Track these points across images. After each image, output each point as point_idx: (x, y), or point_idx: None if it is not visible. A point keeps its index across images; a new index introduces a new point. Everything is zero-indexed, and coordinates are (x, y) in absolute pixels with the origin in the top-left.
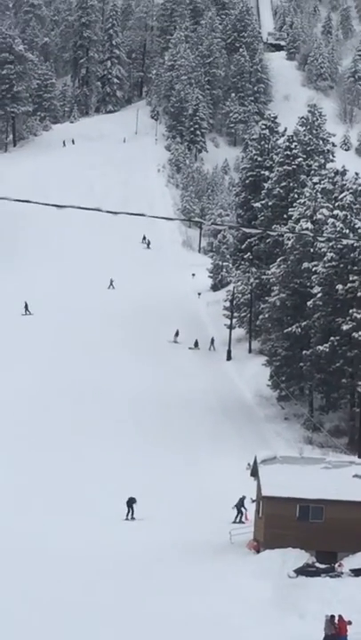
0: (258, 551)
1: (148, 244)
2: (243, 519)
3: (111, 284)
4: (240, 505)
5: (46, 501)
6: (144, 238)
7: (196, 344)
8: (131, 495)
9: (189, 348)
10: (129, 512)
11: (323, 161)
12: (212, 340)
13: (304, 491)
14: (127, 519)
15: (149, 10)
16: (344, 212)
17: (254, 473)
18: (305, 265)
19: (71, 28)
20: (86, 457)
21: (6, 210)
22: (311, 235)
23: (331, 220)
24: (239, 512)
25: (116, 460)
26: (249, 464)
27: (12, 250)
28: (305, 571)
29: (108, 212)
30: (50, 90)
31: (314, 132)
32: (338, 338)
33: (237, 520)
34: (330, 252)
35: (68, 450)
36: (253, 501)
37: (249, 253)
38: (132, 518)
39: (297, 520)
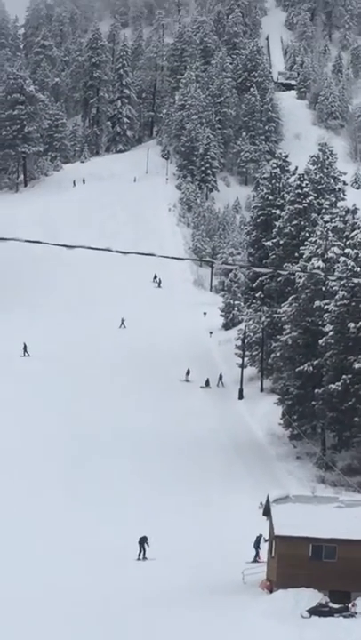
0: (271, 591)
1: (160, 283)
2: (257, 558)
3: (122, 323)
4: (257, 544)
5: (57, 541)
6: (155, 277)
7: (208, 383)
8: (143, 534)
9: (201, 387)
10: (141, 551)
11: (334, 199)
12: (220, 376)
13: (317, 530)
14: (139, 559)
15: (159, 50)
16: (355, 251)
17: (267, 512)
18: (317, 303)
19: (82, 69)
20: (98, 497)
21: (18, 249)
22: (322, 274)
23: (342, 259)
24: (141, 548)
25: (128, 500)
26: (261, 503)
27: (23, 289)
28: (318, 611)
29: (118, 251)
30: (60, 130)
31: (325, 170)
32: (350, 376)
33: (256, 559)
34: (341, 290)
35: (80, 490)
36: (266, 541)
37: (260, 292)
38: (144, 558)
39: (310, 559)
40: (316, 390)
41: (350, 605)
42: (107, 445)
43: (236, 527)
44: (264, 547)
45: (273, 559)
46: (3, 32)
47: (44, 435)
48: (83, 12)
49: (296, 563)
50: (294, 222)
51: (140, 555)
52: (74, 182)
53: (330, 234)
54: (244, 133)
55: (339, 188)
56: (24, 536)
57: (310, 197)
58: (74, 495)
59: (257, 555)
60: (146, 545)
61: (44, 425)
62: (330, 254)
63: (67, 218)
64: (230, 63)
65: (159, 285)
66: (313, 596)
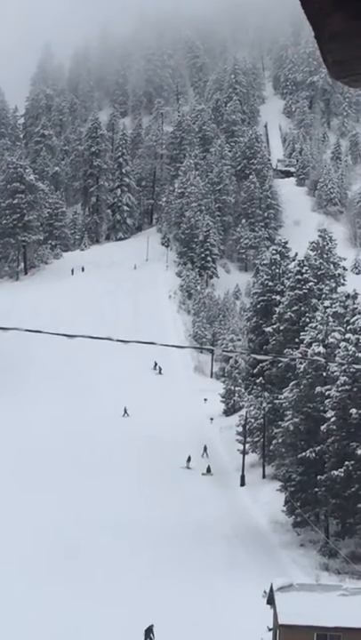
0: None
1: (160, 370)
2: None
3: (125, 412)
4: None
5: (57, 633)
6: (155, 365)
7: (209, 470)
8: (149, 624)
9: (202, 474)
10: None
11: (334, 285)
12: (205, 448)
13: (321, 618)
14: None
15: (159, 138)
16: (356, 336)
17: (270, 601)
18: (318, 389)
19: (81, 157)
20: (97, 588)
21: (17, 339)
22: (323, 359)
23: (343, 344)
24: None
25: (128, 591)
26: (265, 591)
27: (22, 378)
28: None
29: (118, 340)
30: (60, 218)
31: (325, 256)
32: (353, 462)
33: None
34: (343, 375)
35: (78, 580)
36: (270, 630)
37: (261, 378)
38: None
39: None
40: (318, 477)
41: None
42: (107, 532)
43: (239, 616)
44: (268, 636)
45: None
46: (2, 122)
47: (42, 520)
48: (82, 101)
49: None
50: (295, 308)
51: None
52: (72, 271)
53: (330, 319)
54: (243, 220)
55: (339, 274)
56: (21, 629)
57: (310, 283)
58: (72, 583)
59: None
60: (152, 635)
61: (42, 509)
62: (331, 340)
63: (67, 306)
64: (229, 151)
65: (160, 372)
66: None
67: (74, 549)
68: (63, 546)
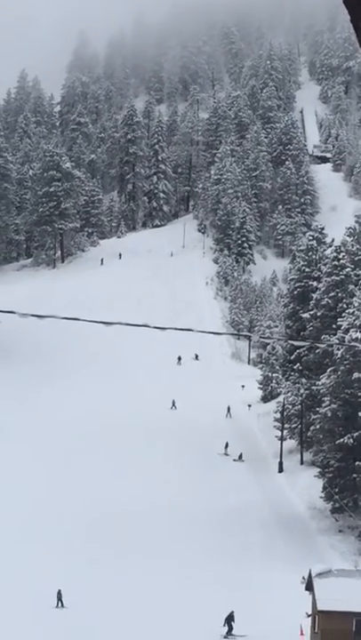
0: None
1: (197, 356)
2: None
3: (173, 404)
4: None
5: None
6: (179, 359)
7: (240, 457)
8: (230, 610)
9: (234, 460)
10: (229, 630)
11: None
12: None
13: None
14: (226, 637)
15: (195, 125)
16: None
17: (309, 587)
18: (356, 375)
19: (117, 145)
20: (140, 575)
21: (54, 327)
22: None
23: None
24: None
25: (167, 576)
26: (304, 578)
27: (59, 365)
28: None
29: (156, 327)
30: (97, 206)
31: None
32: None
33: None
34: None
35: (117, 565)
36: (309, 616)
37: (298, 364)
38: (231, 635)
39: (354, 635)
40: (357, 463)
41: None
42: (144, 518)
43: (277, 602)
44: (306, 622)
45: (316, 634)
46: (39, 110)
47: (84, 503)
48: (118, 89)
49: (340, 638)
50: (332, 294)
51: (227, 633)
52: (101, 261)
53: None
54: (280, 206)
55: None
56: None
57: (347, 269)
58: (108, 568)
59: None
60: (232, 622)
61: (85, 493)
62: None
63: (104, 293)
64: (265, 137)
65: (197, 359)
66: None
67: (111, 534)
68: (101, 530)
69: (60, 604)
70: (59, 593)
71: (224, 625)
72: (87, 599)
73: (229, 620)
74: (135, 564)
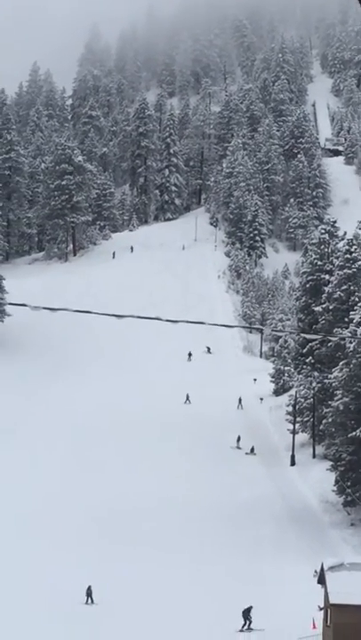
0: None
1: (209, 349)
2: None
3: (187, 399)
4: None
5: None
6: (190, 355)
7: (253, 450)
8: (248, 605)
9: (246, 454)
10: (245, 624)
11: None
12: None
13: None
14: (242, 630)
15: (206, 118)
16: None
17: (321, 580)
18: None
19: (129, 138)
20: (153, 569)
21: (66, 319)
22: None
23: None
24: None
25: (178, 569)
26: (316, 571)
27: (71, 359)
28: None
29: (167, 320)
30: (109, 199)
31: None
32: None
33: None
34: None
35: (129, 558)
36: (321, 609)
37: (311, 357)
38: (250, 629)
39: None
40: None
41: None
42: (156, 512)
43: (289, 595)
44: (318, 615)
45: (329, 628)
46: (51, 103)
47: (94, 497)
48: (129, 82)
49: (352, 632)
50: (344, 287)
51: (244, 627)
52: (113, 254)
53: None
54: (292, 199)
55: None
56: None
57: (360, 262)
58: (121, 562)
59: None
60: (250, 616)
61: (95, 487)
62: None
63: (116, 286)
64: (277, 130)
65: (209, 352)
66: None
67: (123, 529)
68: (113, 525)
69: (89, 601)
70: (89, 589)
71: (246, 619)
72: (109, 595)
73: (247, 613)
74: (147, 558)
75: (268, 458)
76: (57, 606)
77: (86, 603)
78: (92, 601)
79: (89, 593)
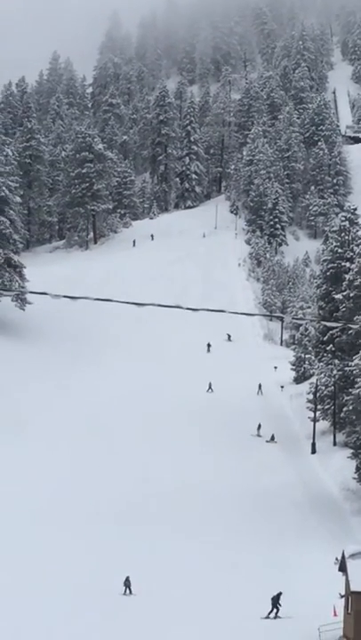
0: None
1: (229, 337)
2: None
3: (210, 387)
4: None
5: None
6: (209, 346)
7: (273, 438)
8: (277, 591)
9: (266, 442)
10: (272, 610)
11: None
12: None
13: None
14: (268, 617)
15: (227, 106)
16: None
17: (342, 568)
18: None
19: (149, 126)
20: (170, 553)
21: (87, 307)
22: None
23: None
24: (274, 607)
25: (200, 558)
26: (337, 559)
27: (92, 346)
28: None
29: (188, 308)
30: (129, 187)
31: None
32: None
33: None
34: None
35: (148, 546)
36: (342, 597)
37: (331, 345)
38: (277, 616)
39: None
40: None
41: None
42: (179, 499)
43: (311, 583)
44: (339, 603)
45: (350, 615)
46: (71, 91)
47: (114, 485)
48: (150, 70)
49: None
50: None
51: (270, 614)
52: (134, 242)
53: None
54: (312, 187)
55: None
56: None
57: None
58: (139, 551)
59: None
60: (279, 603)
61: (115, 475)
62: None
63: (136, 274)
64: (297, 118)
65: (229, 340)
66: None
67: (146, 517)
68: (137, 512)
69: (127, 591)
70: (127, 580)
71: (275, 606)
72: (143, 584)
73: (276, 600)
74: (171, 545)
75: (289, 445)
76: (96, 597)
77: (124, 593)
78: (130, 591)
79: (127, 584)
